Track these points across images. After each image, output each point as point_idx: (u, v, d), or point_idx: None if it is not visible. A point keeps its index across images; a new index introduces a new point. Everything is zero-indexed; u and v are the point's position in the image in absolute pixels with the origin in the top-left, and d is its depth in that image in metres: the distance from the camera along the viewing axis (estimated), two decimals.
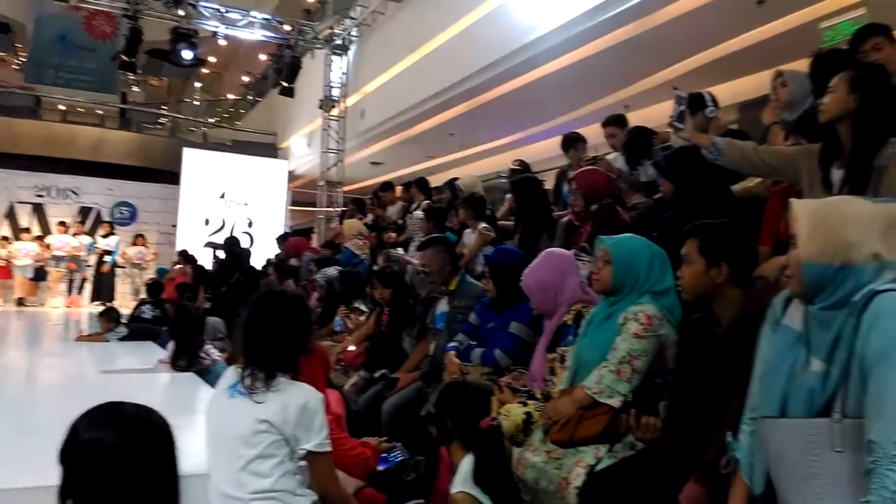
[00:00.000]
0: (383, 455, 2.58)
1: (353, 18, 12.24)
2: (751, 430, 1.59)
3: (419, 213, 6.22)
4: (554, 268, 2.87)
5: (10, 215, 13.43)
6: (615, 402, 2.21)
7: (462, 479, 2.10)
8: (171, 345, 4.25)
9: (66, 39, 16.28)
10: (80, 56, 16.51)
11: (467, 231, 5.19)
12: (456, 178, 6.72)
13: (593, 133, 5.40)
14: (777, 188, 2.96)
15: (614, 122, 4.92)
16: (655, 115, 6.86)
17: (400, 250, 5.14)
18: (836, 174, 2.34)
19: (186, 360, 4.03)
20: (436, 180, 8.40)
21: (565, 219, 3.98)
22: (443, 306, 3.75)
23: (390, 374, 3.80)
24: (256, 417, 1.79)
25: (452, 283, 3.70)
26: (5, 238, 12.63)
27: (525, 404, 2.60)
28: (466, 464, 2.13)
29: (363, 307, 4.73)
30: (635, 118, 5.22)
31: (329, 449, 1.86)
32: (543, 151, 9.26)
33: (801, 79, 3.18)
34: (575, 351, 2.54)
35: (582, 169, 4.10)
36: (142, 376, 4.15)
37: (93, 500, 1.15)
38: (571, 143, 5.36)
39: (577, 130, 5.57)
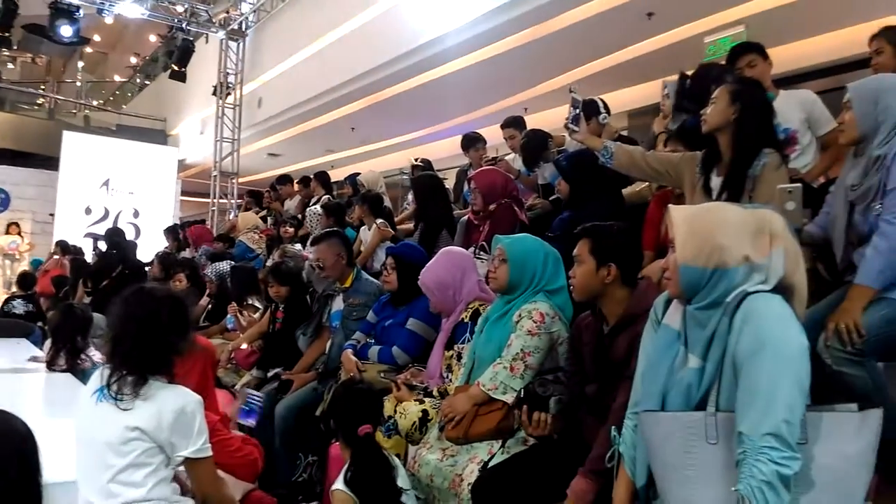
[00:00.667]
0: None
1: (250, 3, 11.84)
2: (633, 424, 1.66)
3: (317, 209, 6.11)
4: (452, 267, 2.88)
5: None
6: (509, 398, 2.26)
7: (342, 477, 2.10)
8: (48, 343, 3.94)
9: None
10: None
11: (364, 228, 5.15)
12: (357, 174, 6.65)
13: (494, 133, 5.50)
14: (659, 193, 3.13)
15: (513, 123, 5.03)
16: (553, 118, 7.07)
17: (298, 246, 5.02)
18: (716, 181, 2.49)
19: (66, 361, 3.76)
20: (336, 175, 8.30)
21: (465, 217, 4.02)
22: (338, 304, 3.68)
23: (284, 373, 3.71)
24: (126, 425, 1.68)
25: (348, 279, 3.64)
26: None
27: (422, 402, 2.61)
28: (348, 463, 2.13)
29: (257, 304, 4.58)
30: (533, 121, 5.36)
31: (209, 454, 1.77)
32: (447, 150, 9.34)
33: None
34: (471, 348, 2.57)
35: (481, 169, 4.16)
36: (11, 377, 3.83)
37: None
38: (471, 143, 5.43)
39: (477, 131, 5.66)
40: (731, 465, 1.35)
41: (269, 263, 5.03)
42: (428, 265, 2.94)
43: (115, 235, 7.93)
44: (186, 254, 7.98)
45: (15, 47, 14.75)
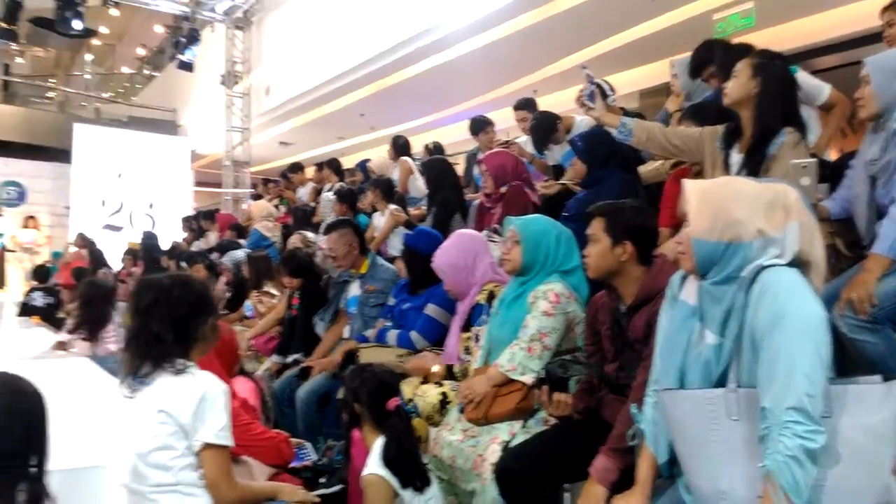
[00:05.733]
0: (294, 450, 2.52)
1: None
2: (654, 401, 1.66)
3: (330, 195, 6.13)
4: (465, 249, 2.89)
5: None
6: (528, 378, 2.27)
7: (373, 461, 2.10)
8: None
9: None
10: None
11: (376, 214, 5.16)
12: (368, 160, 6.66)
13: (505, 117, 5.47)
14: (676, 171, 3.10)
15: (525, 105, 5.01)
16: (562, 100, 7.02)
17: (311, 234, 5.06)
18: (736, 157, 2.46)
19: (88, 331, 4.02)
20: (348, 162, 8.31)
21: (477, 201, 4.02)
22: (355, 289, 3.71)
23: (304, 358, 3.75)
24: (153, 407, 1.71)
25: (363, 266, 3.66)
26: None
27: (440, 384, 2.63)
28: (378, 446, 2.13)
29: (273, 291, 4.63)
30: (543, 103, 5.33)
31: (227, 443, 1.75)
32: (458, 134, 9.31)
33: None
34: (488, 330, 2.58)
35: (490, 151, 4.15)
36: (33, 363, 3.90)
37: None
38: (480, 127, 5.42)
39: (487, 115, 5.64)
40: (753, 440, 1.35)
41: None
42: (441, 248, 2.95)
43: (148, 240, 8.41)
44: (201, 243, 8.04)
45: (23, 41, 14.74)
